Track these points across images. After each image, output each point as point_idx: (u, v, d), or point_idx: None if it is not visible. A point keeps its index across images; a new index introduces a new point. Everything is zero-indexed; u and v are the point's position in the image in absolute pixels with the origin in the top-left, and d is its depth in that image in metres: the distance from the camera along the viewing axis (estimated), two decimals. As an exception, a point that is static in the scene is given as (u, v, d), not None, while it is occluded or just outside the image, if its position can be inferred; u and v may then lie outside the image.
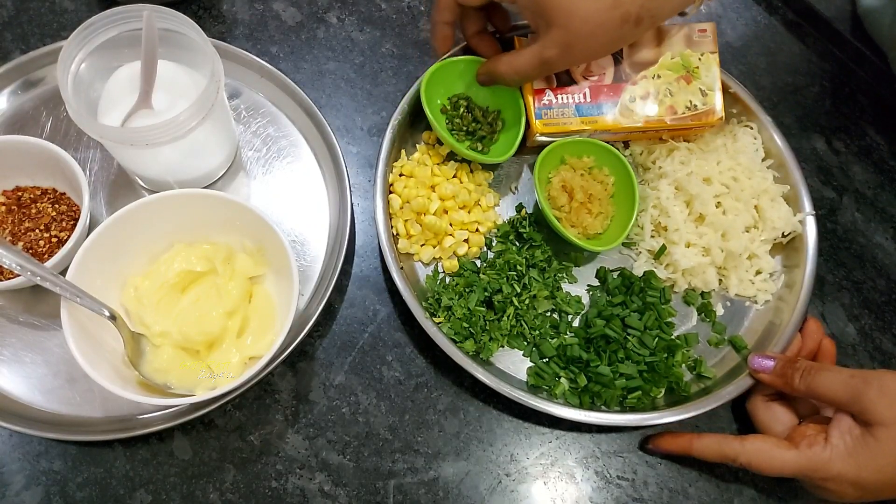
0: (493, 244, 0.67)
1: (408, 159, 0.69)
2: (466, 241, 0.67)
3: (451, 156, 0.70)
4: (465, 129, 0.68)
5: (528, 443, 0.62)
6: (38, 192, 0.62)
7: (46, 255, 0.59)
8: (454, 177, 0.69)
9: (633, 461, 0.62)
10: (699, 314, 0.67)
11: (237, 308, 0.59)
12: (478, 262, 0.67)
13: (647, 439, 0.62)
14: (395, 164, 0.68)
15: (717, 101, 0.67)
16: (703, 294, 0.68)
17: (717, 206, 0.67)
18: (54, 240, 0.60)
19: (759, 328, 0.67)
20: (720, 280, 0.68)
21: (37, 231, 0.60)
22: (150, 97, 0.59)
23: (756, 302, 0.68)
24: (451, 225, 0.66)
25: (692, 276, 0.67)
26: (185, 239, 0.61)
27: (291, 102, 0.70)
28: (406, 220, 0.66)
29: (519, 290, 0.63)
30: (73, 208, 0.62)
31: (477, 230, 0.68)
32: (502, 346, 0.63)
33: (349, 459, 0.60)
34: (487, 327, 0.62)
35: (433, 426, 0.61)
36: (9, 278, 0.57)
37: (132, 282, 0.59)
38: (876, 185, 0.77)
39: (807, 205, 0.69)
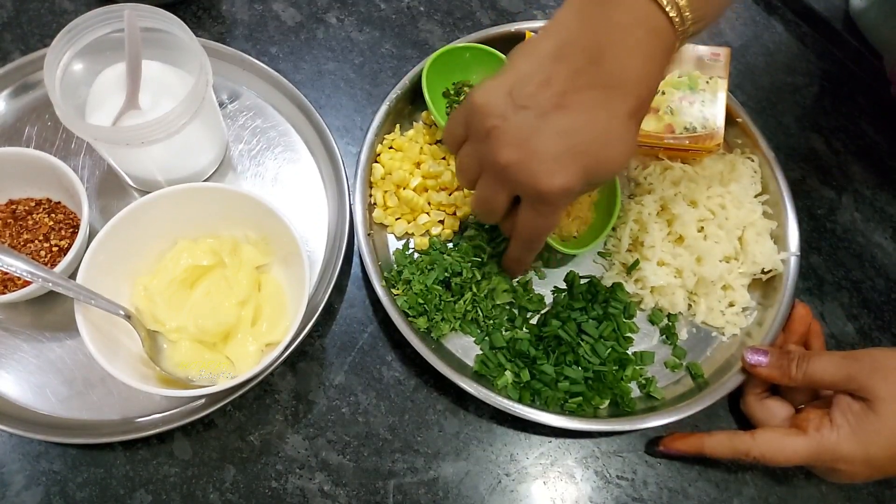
0: (467, 230, 0.66)
1: (401, 134, 0.69)
2: (442, 222, 0.66)
3: None
4: None
5: (528, 442, 0.62)
6: (33, 204, 0.62)
7: (49, 265, 0.59)
8: (443, 159, 0.68)
9: (632, 461, 0.62)
10: (662, 335, 0.66)
11: (249, 297, 0.59)
12: (449, 245, 0.66)
13: (656, 441, 0.62)
14: (386, 136, 0.69)
15: (719, 126, 0.65)
16: (669, 316, 0.66)
17: (699, 231, 0.66)
18: (55, 248, 0.60)
19: (720, 360, 0.65)
20: (689, 305, 0.67)
21: (36, 242, 0.60)
22: (137, 98, 0.59)
23: (723, 334, 0.67)
24: (429, 204, 0.66)
25: (660, 296, 0.66)
26: (188, 235, 0.61)
27: (291, 105, 0.70)
28: (385, 192, 0.66)
29: (479, 277, 0.63)
30: (70, 216, 0.62)
31: (454, 213, 0.67)
32: (454, 329, 0.63)
33: (349, 459, 0.60)
34: (442, 307, 0.62)
35: (433, 426, 0.61)
36: (12, 290, 0.57)
37: (140, 281, 0.59)
38: (875, 185, 0.78)
39: (793, 246, 0.67)
